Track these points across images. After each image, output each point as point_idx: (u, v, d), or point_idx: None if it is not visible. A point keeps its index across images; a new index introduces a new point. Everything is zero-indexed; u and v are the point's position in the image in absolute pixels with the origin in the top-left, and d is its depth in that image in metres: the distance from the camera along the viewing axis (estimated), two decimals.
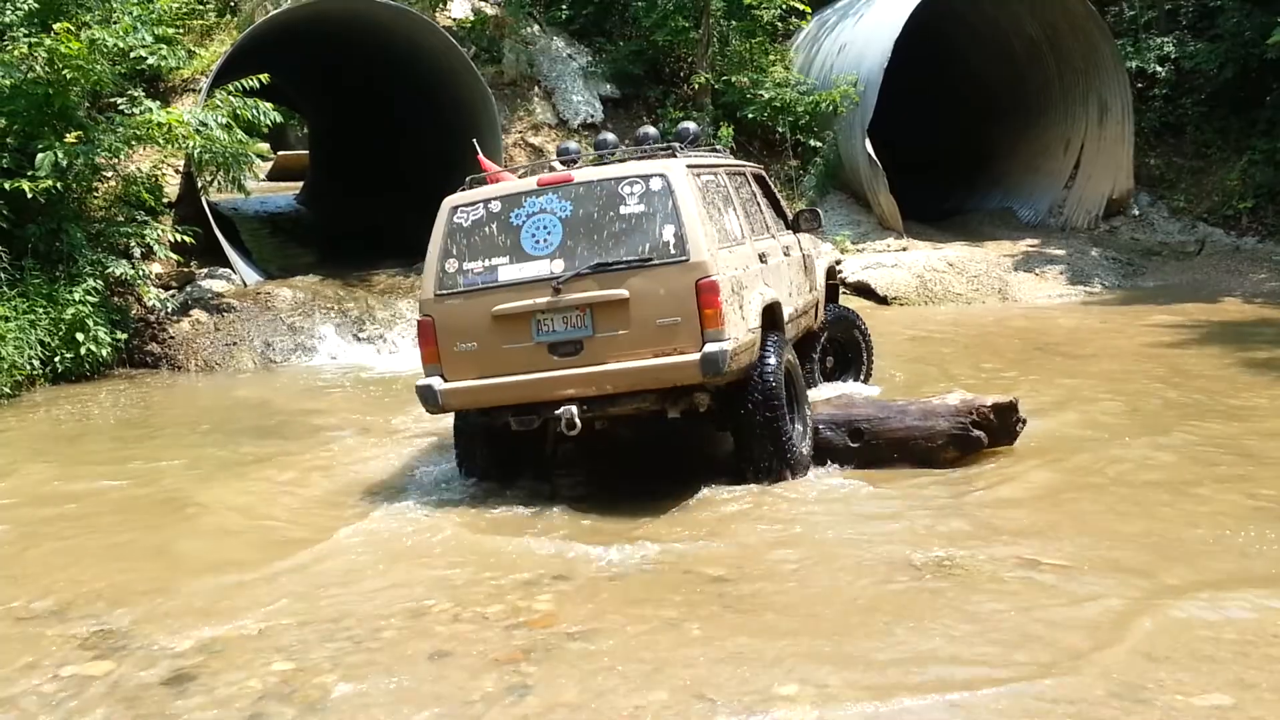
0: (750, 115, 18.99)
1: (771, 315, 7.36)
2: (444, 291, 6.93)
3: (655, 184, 6.74)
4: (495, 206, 6.93)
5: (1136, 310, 14.46)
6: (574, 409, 6.63)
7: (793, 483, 6.94)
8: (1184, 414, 8.62)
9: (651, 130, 8.22)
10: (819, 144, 19.06)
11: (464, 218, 6.99)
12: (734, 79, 19.34)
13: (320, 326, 14.04)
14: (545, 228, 6.82)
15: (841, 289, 10.14)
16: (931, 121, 21.27)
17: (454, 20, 19.91)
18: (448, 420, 7.74)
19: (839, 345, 9.77)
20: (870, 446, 7.36)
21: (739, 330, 6.73)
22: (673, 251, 6.61)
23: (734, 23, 20.10)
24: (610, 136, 8.22)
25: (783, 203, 9.21)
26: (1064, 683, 4.08)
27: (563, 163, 7.53)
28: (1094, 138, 19.23)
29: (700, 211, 6.73)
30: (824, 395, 8.31)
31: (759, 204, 8.37)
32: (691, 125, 8.30)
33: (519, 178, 7.27)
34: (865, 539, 5.92)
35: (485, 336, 6.82)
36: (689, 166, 6.98)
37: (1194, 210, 18.80)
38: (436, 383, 6.95)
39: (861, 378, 9.74)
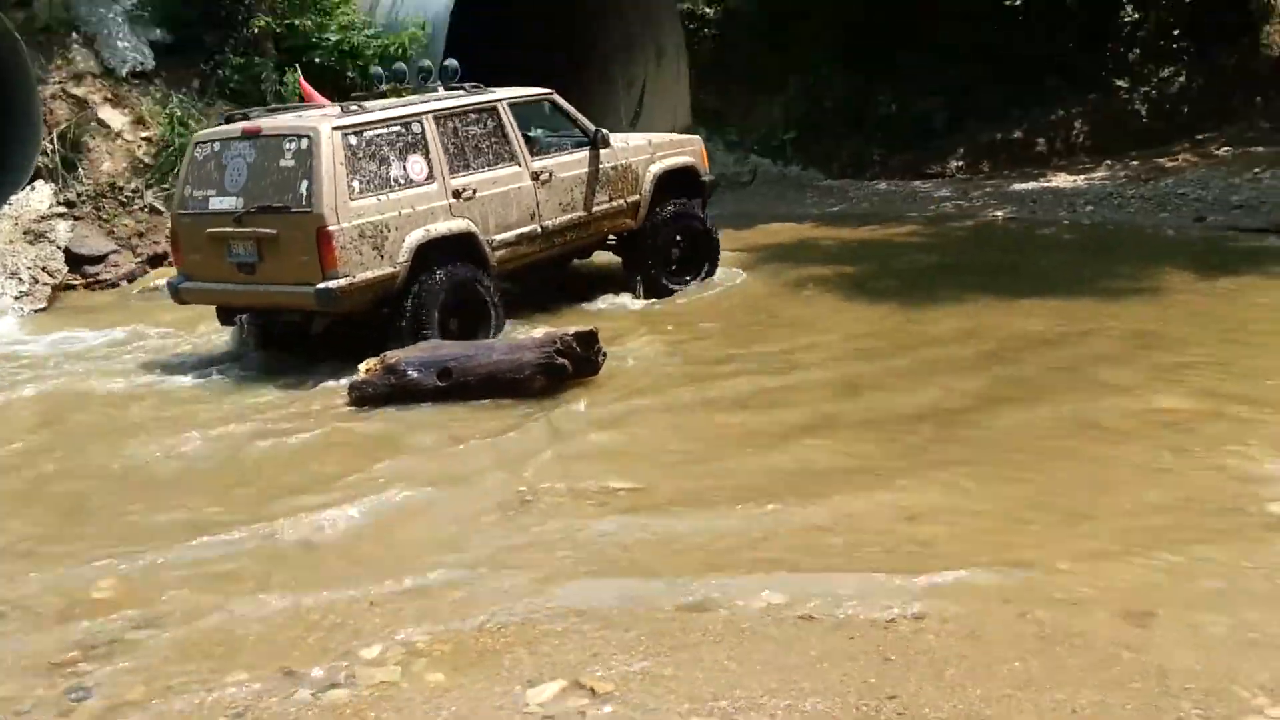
0: (318, 59, 18.31)
1: (456, 247, 8.54)
2: (183, 211, 8.64)
3: (304, 142, 8.02)
4: (217, 147, 8.47)
5: None
6: (247, 317, 8.80)
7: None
8: (749, 336, 9.26)
9: (451, 63, 9.61)
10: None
11: (200, 153, 8.59)
12: (297, 22, 18.57)
13: None
14: (239, 169, 8.25)
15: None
16: (517, 67, 21.30)
17: None
18: None
19: (688, 243, 10.53)
20: (460, 385, 7.53)
21: (366, 270, 8.06)
22: (304, 203, 7.96)
23: None
24: (451, 63, 9.57)
25: (580, 119, 10.08)
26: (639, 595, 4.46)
27: (359, 106, 8.77)
28: (653, 77, 20.13)
29: (336, 169, 7.94)
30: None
31: (504, 136, 9.14)
32: (452, 62, 9.61)
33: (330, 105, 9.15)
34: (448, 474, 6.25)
35: (204, 250, 8.50)
36: (341, 127, 8.10)
37: (745, 143, 20.27)
38: (179, 280, 8.82)
39: (703, 276, 10.61)
